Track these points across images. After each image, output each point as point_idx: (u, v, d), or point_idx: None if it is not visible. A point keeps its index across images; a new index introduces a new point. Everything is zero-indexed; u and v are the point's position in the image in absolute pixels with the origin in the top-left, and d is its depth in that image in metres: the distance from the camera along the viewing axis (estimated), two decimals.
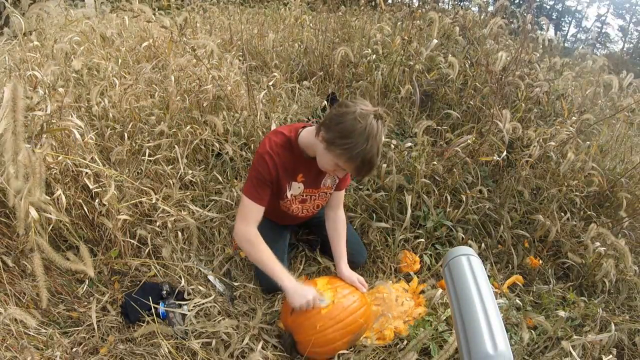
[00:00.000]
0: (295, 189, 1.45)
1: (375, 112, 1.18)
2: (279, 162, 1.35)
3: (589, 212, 2.02)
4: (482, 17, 3.35)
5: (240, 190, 1.87)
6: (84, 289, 1.49)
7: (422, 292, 1.59)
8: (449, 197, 1.91)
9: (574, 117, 2.39)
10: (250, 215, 1.36)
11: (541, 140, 2.09)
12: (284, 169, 1.37)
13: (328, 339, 1.28)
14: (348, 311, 1.32)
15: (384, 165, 1.90)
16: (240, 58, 2.81)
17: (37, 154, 1.14)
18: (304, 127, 1.39)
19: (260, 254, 1.34)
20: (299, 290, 1.28)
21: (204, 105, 2.18)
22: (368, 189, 1.97)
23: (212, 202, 1.89)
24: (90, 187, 1.53)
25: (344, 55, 2.33)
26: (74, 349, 1.30)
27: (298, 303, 1.26)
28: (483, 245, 1.88)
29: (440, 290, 1.48)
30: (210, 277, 1.60)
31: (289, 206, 1.50)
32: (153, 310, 1.39)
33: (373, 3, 3.83)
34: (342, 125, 1.17)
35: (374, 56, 2.76)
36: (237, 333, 1.37)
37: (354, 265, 1.57)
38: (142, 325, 1.35)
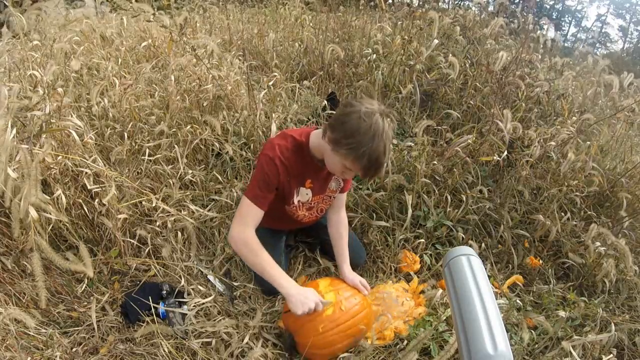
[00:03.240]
0: (303, 195, 1.44)
1: (381, 111, 1.17)
2: (289, 167, 1.32)
3: (589, 212, 2.02)
4: (482, 16, 3.35)
5: (241, 191, 1.87)
6: (84, 289, 1.49)
7: (422, 292, 1.59)
8: (449, 197, 1.91)
9: (574, 117, 2.39)
10: (249, 217, 1.31)
11: (541, 140, 2.08)
12: (293, 175, 1.35)
13: (328, 341, 1.28)
14: (349, 314, 1.32)
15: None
16: (240, 58, 2.81)
17: (34, 154, 1.14)
18: (314, 129, 1.37)
19: (259, 259, 1.29)
20: (300, 297, 1.24)
21: (204, 104, 2.18)
22: (368, 189, 1.97)
23: (212, 202, 1.89)
24: (89, 187, 1.53)
25: (334, 53, 2.33)
26: (74, 349, 1.30)
27: (300, 311, 1.23)
28: (483, 245, 1.88)
29: (440, 290, 1.48)
30: (210, 277, 1.60)
31: (295, 212, 1.49)
32: (153, 310, 1.39)
33: (372, 3, 3.82)
34: (347, 125, 1.16)
35: (374, 56, 2.76)
36: (237, 333, 1.37)
37: (352, 266, 1.56)
38: (142, 325, 1.35)
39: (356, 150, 1.16)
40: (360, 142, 1.14)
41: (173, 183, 1.84)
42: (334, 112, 2.24)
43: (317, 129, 1.37)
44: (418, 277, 1.67)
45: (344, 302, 1.33)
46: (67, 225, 1.52)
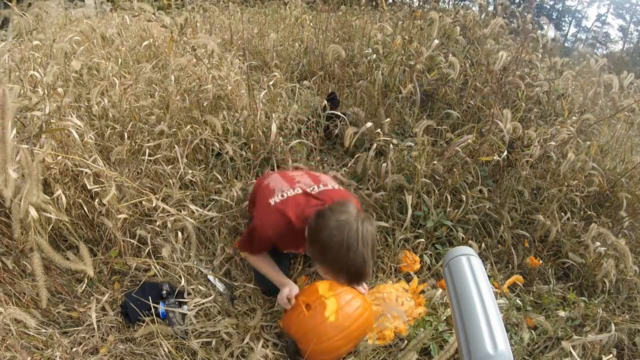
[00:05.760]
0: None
1: (356, 216, 1.12)
2: (283, 240, 1.36)
3: (589, 212, 2.01)
4: (482, 16, 3.35)
5: (241, 191, 1.87)
6: (84, 289, 1.49)
7: (422, 292, 1.59)
8: (449, 197, 1.90)
9: (574, 117, 2.38)
10: (254, 257, 1.47)
11: (541, 140, 2.08)
12: (286, 244, 1.41)
13: (334, 347, 1.28)
14: (352, 318, 1.32)
15: (384, 165, 1.89)
16: (241, 57, 2.81)
17: (35, 154, 1.14)
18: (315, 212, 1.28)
19: (263, 265, 1.44)
20: (283, 294, 1.33)
21: (204, 104, 2.18)
22: (368, 189, 1.97)
23: (212, 202, 1.89)
24: (89, 187, 1.53)
25: (335, 53, 2.33)
26: (74, 349, 1.31)
27: (277, 302, 1.34)
28: (483, 245, 1.88)
29: (440, 290, 1.48)
30: (210, 277, 1.60)
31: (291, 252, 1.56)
32: (153, 310, 1.39)
33: (374, 3, 3.82)
34: (320, 243, 1.14)
35: (375, 56, 2.75)
36: (237, 333, 1.37)
37: None
38: (142, 325, 1.35)
39: (333, 266, 1.15)
40: (335, 258, 1.12)
41: (173, 183, 1.83)
42: (334, 112, 2.23)
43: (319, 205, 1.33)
44: (418, 277, 1.67)
45: (346, 307, 1.33)
46: (67, 225, 1.52)
